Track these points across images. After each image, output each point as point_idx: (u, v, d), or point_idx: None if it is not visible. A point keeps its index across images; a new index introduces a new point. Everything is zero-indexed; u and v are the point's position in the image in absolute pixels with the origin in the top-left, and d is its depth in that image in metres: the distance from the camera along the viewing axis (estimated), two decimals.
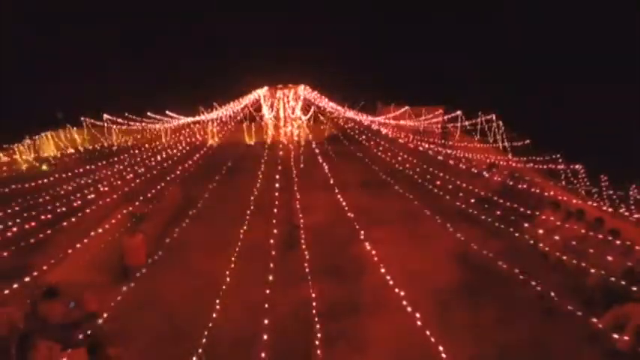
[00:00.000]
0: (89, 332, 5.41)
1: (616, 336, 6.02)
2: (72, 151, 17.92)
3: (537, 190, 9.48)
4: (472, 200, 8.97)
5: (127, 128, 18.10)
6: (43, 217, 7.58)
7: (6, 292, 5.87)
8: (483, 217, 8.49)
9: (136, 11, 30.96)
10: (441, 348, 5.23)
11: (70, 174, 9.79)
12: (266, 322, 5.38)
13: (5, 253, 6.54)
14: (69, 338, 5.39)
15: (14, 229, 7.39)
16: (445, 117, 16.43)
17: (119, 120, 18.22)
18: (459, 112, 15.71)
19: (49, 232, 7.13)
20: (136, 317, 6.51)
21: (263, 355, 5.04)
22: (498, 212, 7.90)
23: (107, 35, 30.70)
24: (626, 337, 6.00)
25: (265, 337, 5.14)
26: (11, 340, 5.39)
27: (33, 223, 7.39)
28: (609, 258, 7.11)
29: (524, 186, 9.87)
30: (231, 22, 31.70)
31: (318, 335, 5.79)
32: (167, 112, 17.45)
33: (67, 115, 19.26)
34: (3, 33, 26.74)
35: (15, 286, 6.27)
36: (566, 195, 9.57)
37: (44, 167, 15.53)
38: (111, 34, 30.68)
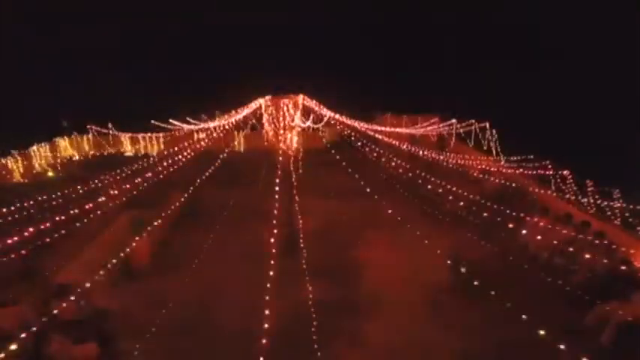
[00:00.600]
0: (99, 328, 5.72)
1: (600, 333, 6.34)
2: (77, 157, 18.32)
3: (528, 195, 9.84)
4: (461, 203, 9.34)
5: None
6: (52, 220, 7.89)
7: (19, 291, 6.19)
8: (475, 220, 8.84)
9: (137, 15, 31.46)
10: (434, 346, 5.53)
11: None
12: (266, 321, 5.66)
13: (24, 251, 6.85)
14: (80, 334, 5.69)
15: (25, 233, 7.70)
16: (440, 125, 16.87)
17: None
18: (453, 121, 16.17)
19: (62, 231, 7.45)
20: (141, 314, 6.82)
21: (263, 352, 5.33)
22: (486, 214, 8.24)
23: (107, 39, 31.17)
24: (608, 334, 6.33)
25: (265, 335, 5.42)
26: (25, 336, 5.68)
27: (43, 227, 7.70)
28: (594, 259, 7.44)
29: (516, 191, 10.24)
30: (233, 28, 32.35)
31: (317, 334, 6.09)
32: (170, 120, 17.91)
33: (71, 122, 19.69)
34: (4, 35, 27.14)
35: (26, 285, 6.61)
36: (554, 199, 9.95)
37: (50, 173, 15.89)
38: (111, 37, 31.16)
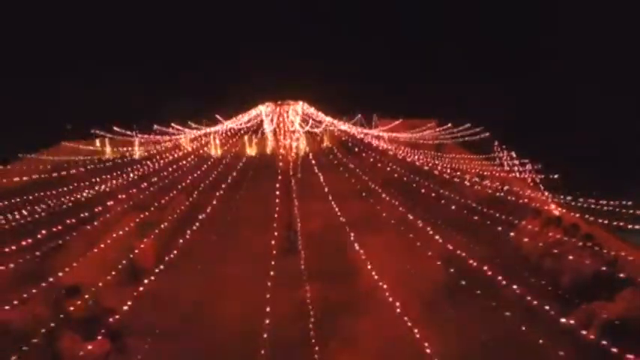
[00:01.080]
0: (109, 326, 6.03)
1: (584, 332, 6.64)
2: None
3: (521, 200, 10.17)
4: (453, 207, 9.67)
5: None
6: (61, 222, 8.23)
7: (34, 291, 6.53)
8: (468, 223, 9.16)
9: (140, 21, 31.92)
10: (426, 344, 5.82)
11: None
12: (267, 318, 5.98)
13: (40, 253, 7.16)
14: (91, 331, 6.01)
15: (35, 234, 8.03)
16: (437, 129, 17.25)
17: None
18: (449, 125, 16.55)
19: (74, 234, 7.77)
20: (148, 313, 7.14)
21: (264, 346, 5.66)
22: (477, 218, 8.57)
23: (110, 45, 31.57)
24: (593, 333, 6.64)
25: (266, 331, 5.74)
26: (37, 334, 6.00)
27: (54, 229, 8.04)
28: (582, 261, 7.76)
29: (510, 196, 10.56)
30: (236, 38, 32.80)
31: (314, 332, 6.40)
32: (172, 124, 18.29)
33: (76, 126, 20.04)
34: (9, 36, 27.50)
35: (42, 285, 6.92)
36: (546, 202, 10.28)
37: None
38: (115, 43, 31.57)
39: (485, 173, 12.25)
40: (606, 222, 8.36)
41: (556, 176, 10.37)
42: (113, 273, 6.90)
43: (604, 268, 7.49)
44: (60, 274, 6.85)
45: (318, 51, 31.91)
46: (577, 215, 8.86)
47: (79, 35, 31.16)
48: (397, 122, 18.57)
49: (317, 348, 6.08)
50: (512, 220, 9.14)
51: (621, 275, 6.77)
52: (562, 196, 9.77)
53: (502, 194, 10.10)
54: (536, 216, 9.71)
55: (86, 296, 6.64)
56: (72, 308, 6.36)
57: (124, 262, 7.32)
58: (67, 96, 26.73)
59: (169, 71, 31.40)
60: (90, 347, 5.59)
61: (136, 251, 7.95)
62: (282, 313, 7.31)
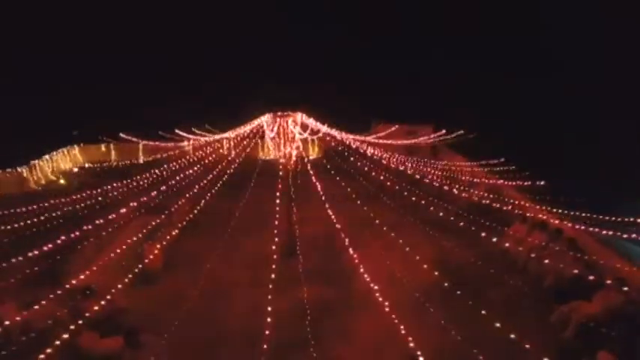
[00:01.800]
0: (122, 324, 6.55)
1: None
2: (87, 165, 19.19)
3: (509, 206, 10.67)
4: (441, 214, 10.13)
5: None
6: (76, 226, 8.72)
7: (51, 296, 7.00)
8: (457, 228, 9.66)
9: (146, 31, 32.49)
10: (413, 343, 6.26)
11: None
12: (268, 317, 6.45)
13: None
14: (107, 329, 6.53)
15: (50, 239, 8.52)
16: (434, 134, 17.73)
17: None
18: (443, 131, 17.05)
19: (91, 239, 8.24)
20: (156, 312, 7.66)
21: (266, 343, 6.15)
22: (463, 224, 9.06)
23: (116, 54, 32.11)
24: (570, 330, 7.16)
25: (267, 329, 6.22)
26: (57, 332, 6.50)
27: (66, 232, 8.53)
28: (563, 264, 8.26)
29: (498, 202, 11.05)
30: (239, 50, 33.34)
31: (311, 329, 6.90)
32: (176, 130, 18.82)
33: (82, 132, 20.54)
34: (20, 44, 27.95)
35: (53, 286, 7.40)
36: (532, 208, 10.79)
37: (62, 181, 16.76)
38: (121, 53, 32.11)
39: (476, 180, 12.69)
40: (587, 227, 8.83)
41: (542, 182, 10.86)
42: (130, 276, 7.36)
43: (583, 271, 7.96)
44: (70, 274, 7.32)
45: (317, 55, 32.44)
46: (564, 220, 9.33)
47: (85, 40, 31.70)
48: (393, 127, 19.00)
49: (314, 344, 6.56)
50: (501, 227, 9.60)
51: (592, 278, 7.25)
52: (548, 203, 10.26)
53: (492, 199, 10.57)
54: (523, 221, 10.22)
55: (100, 296, 7.12)
56: (87, 308, 6.87)
57: (140, 265, 7.77)
58: (73, 101, 27.20)
59: (171, 76, 31.92)
60: (105, 344, 6.10)
61: (148, 255, 8.39)
62: (282, 311, 7.75)
